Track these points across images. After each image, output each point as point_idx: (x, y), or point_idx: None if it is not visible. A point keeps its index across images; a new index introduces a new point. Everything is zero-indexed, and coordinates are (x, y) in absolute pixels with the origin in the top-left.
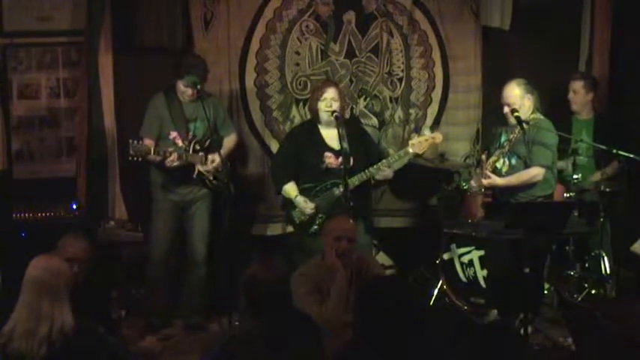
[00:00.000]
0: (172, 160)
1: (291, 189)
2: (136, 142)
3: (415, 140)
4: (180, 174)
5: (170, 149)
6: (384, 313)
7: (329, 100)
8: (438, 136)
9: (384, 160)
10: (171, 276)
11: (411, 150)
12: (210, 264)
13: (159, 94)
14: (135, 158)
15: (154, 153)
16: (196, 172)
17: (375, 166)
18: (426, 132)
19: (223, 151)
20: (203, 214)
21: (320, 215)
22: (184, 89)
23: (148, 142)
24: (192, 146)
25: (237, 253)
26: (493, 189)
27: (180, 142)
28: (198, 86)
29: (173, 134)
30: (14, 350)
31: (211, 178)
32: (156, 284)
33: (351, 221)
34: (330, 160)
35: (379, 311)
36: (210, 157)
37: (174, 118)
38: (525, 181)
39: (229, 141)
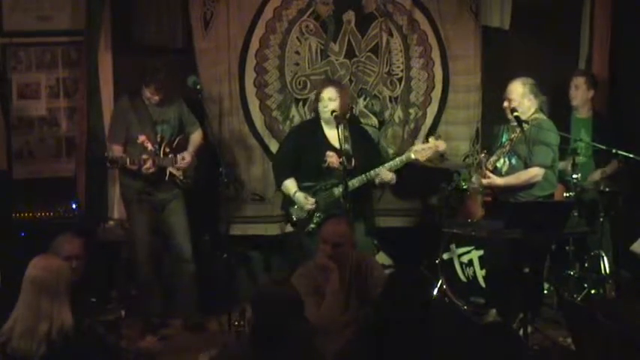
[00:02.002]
0: (148, 168)
1: (290, 185)
2: (111, 153)
3: (419, 147)
4: (152, 176)
5: (144, 156)
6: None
7: (326, 100)
8: (442, 145)
9: (385, 164)
10: (164, 276)
11: (413, 156)
12: (210, 263)
13: (123, 98)
14: (112, 169)
15: (130, 162)
16: (168, 174)
17: (375, 170)
18: (430, 139)
19: (191, 148)
20: (180, 213)
21: (318, 214)
22: (150, 95)
23: (117, 148)
24: (162, 149)
25: (236, 253)
26: (493, 189)
27: (149, 146)
28: (198, 86)
29: (141, 138)
30: (14, 349)
31: (182, 177)
32: (147, 285)
33: (346, 225)
34: (332, 159)
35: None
36: (179, 156)
37: (141, 121)
38: (525, 181)
39: (196, 137)
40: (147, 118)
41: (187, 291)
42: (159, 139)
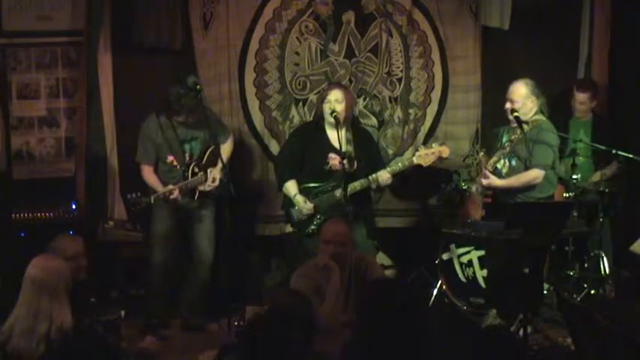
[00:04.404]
0: (175, 198)
1: (291, 187)
2: (134, 195)
3: (422, 152)
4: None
5: (170, 186)
6: (385, 315)
7: (332, 102)
8: (445, 150)
9: (387, 168)
10: (174, 278)
11: (415, 161)
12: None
13: (151, 117)
14: (138, 211)
15: (155, 200)
16: (197, 194)
17: (377, 174)
18: (434, 145)
19: (221, 163)
20: (208, 218)
21: (318, 216)
22: (184, 120)
23: (147, 168)
24: (190, 170)
25: (236, 254)
26: (493, 189)
27: (178, 166)
28: (198, 86)
29: (170, 158)
30: (13, 348)
31: (212, 191)
32: (157, 288)
33: (346, 225)
34: (334, 161)
35: (380, 313)
36: (210, 174)
37: (169, 142)
38: (525, 182)
39: (227, 147)
40: (174, 138)
41: (198, 294)
42: (187, 160)
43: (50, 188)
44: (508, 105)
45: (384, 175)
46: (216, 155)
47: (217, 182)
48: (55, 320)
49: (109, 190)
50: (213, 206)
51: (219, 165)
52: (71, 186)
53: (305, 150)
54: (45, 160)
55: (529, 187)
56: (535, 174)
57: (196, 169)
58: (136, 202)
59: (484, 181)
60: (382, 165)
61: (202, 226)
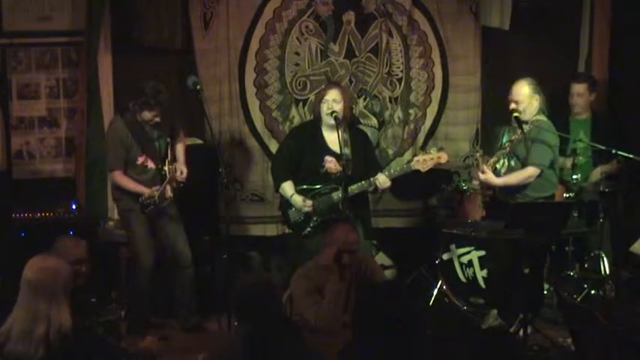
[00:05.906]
0: (170, 197)
1: (288, 187)
2: (143, 197)
3: (420, 157)
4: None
5: (155, 189)
6: (382, 320)
7: (330, 102)
8: (444, 157)
9: (385, 172)
10: (159, 279)
11: (414, 167)
12: (209, 264)
13: (116, 120)
14: (150, 212)
15: (159, 197)
16: (170, 189)
17: (376, 177)
18: (432, 151)
19: (182, 156)
20: (177, 219)
21: (315, 218)
22: (152, 117)
23: (118, 174)
24: (167, 167)
25: (236, 253)
26: (494, 189)
27: (149, 164)
28: (198, 86)
29: (140, 159)
30: (11, 351)
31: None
32: (145, 290)
33: (356, 232)
34: (329, 164)
35: (377, 318)
36: (177, 171)
37: (141, 142)
38: (521, 180)
39: (182, 141)
40: (145, 137)
41: (188, 295)
42: (162, 157)
43: (50, 188)
44: (513, 106)
45: (382, 179)
46: (173, 150)
47: (186, 174)
48: (54, 322)
49: (109, 190)
50: (177, 207)
51: (181, 158)
52: (71, 186)
53: (301, 151)
54: (45, 160)
55: (528, 186)
56: (530, 172)
57: (171, 166)
58: (148, 203)
59: (481, 176)
60: (379, 167)
61: (176, 229)
